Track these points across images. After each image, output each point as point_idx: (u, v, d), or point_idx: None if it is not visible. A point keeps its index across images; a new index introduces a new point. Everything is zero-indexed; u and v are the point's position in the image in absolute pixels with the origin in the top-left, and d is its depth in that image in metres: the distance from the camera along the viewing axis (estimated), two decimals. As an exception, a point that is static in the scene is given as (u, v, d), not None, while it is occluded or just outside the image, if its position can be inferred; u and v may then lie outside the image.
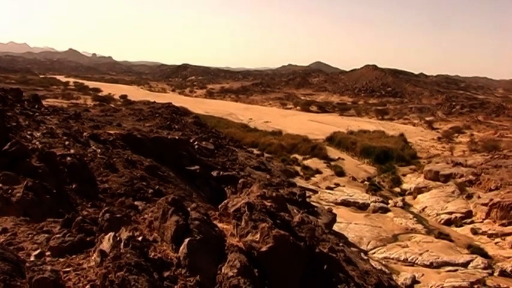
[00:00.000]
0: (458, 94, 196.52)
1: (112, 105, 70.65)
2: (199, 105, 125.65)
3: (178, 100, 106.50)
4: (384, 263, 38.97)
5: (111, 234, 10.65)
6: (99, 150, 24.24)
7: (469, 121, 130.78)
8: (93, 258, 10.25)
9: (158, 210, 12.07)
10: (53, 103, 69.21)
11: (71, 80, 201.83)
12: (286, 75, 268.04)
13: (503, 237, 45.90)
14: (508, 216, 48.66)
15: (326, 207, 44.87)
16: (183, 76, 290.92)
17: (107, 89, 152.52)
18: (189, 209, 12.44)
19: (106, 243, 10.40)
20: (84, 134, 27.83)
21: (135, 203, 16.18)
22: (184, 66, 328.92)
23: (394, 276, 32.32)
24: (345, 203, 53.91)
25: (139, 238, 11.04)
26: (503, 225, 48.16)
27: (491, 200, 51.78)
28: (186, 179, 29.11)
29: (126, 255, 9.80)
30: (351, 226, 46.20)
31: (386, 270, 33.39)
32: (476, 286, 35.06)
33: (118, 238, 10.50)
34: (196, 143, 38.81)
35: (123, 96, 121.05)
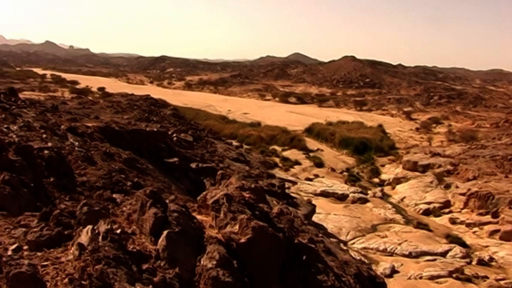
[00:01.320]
0: (436, 85, 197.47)
1: (90, 98, 70.26)
2: (177, 97, 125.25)
3: (156, 92, 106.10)
4: (363, 253, 39.13)
5: (89, 227, 10.60)
6: (77, 143, 24.09)
7: (447, 112, 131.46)
8: (71, 251, 10.19)
9: (136, 202, 12.04)
10: (29, 96, 68.76)
11: (48, 72, 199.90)
12: (265, 67, 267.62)
13: (481, 227, 46.26)
14: (485, 206, 49.04)
15: (305, 198, 44.95)
16: (161, 68, 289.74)
17: (84, 81, 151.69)
18: (167, 201, 12.41)
19: (84, 237, 10.35)
20: (62, 127, 27.63)
21: (114, 195, 16.10)
22: (163, 58, 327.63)
23: (374, 266, 32.44)
24: (324, 194, 54.05)
25: (118, 231, 11.00)
26: (481, 214, 48.53)
27: (469, 189, 52.15)
28: (164, 171, 29.04)
29: (105, 248, 9.77)
30: (330, 217, 46.34)
31: (366, 260, 33.54)
32: (454, 275, 35.28)
33: (96, 231, 10.45)
34: (174, 135, 38.70)
35: (101, 89, 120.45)
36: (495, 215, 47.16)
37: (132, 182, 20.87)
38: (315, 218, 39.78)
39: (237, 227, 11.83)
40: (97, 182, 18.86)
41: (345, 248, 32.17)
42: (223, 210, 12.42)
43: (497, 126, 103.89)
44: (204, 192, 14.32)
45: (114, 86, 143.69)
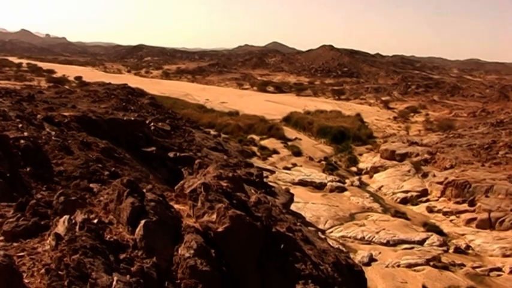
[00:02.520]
0: (414, 74, 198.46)
1: (66, 87, 69.70)
2: (155, 86, 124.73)
3: (134, 81, 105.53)
4: (341, 241, 39.28)
5: (66, 217, 10.53)
6: (54, 132, 23.91)
7: (424, 101, 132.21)
8: (48, 242, 10.13)
9: (113, 192, 11.98)
10: (5, 85, 68.00)
11: (24, 61, 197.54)
12: (243, 56, 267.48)
13: (457, 215, 46.59)
14: (462, 194, 49.38)
15: (283, 187, 45.04)
16: (138, 57, 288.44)
17: (61, 70, 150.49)
18: (144, 190, 12.37)
19: (61, 227, 10.29)
20: (38, 116, 27.42)
21: (91, 185, 16.02)
22: (140, 47, 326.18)
23: (352, 255, 32.59)
24: (302, 183, 54.14)
25: (95, 221, 10.94)
26: (457, 203, 48.86)
27: (446, 178, 52.48)
28: (142, 160, 28.93)
29: (82, 238, 9.72)
30: (309, 206, 46.42)
31: (344, 249, 33.68)
32: (431, 263, 35.52)
33: (73, 221, 10.39)
34: (152, 124, 38.55)
35: (78, 78, 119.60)
36: (472, 203, 47.50)
37: (109, 171, 20.76)
38: (293, 207, 39.87)
39: (214, 216, 11.81)
40: (74, 171, 18.74)
41: (323, 236, 32.27)
42: (201, 199, 12.40)
43: (474, 116, 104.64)
44: (181, 182, 14.29)
45: (91, 75, 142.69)
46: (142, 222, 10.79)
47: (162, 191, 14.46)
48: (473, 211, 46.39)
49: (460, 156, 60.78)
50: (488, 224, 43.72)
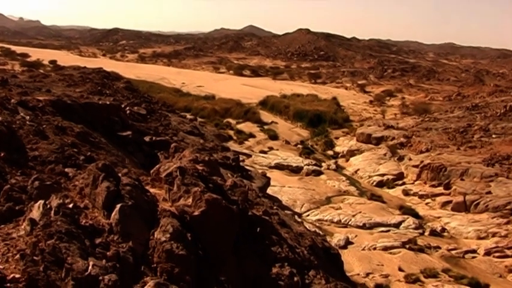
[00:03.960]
0: (390, 58, 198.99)
1: (41, 71, 68.97)
2: (131, 70, 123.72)
3: (109, 65, 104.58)
4: (317, 225, 39.45)
5: (41, 202, 10.47)
6: (28, 117, 23.66)
7: (400, 85, 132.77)
8: (22, 227, 10.07)
9: (89, 176, 11.91)
10: (-22, 69, 67.35)
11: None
12: (219, 39, 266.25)
13: (433, 198, 46.97)
14: (437, 178, 49.76)
15: (260, 171, 45.05)
16: (114, 40, 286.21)
17: (35, 54, 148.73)
18: (120, 174, 12.32)
19: (36, 212, 10.23)
20: (12, 100, 27.13)
21: (66, 170, 15.88)
22: (115, 31, 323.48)
23: (328, 238, 32.66)
24: (279, 167, 54.24)
25: (70, 205, 10.88)
26: (433, 186, 49.26)
27: (422, 161, 52.85)
28: (118, 144, 28.76)
29: (57, 222, 9.66)
30: (285, 189, 46.55)
31: (320, 232, 33.76)
32: (407, 246, 35.81)
33: (48, 206, 10.33)
34: (128, 108, 38.28)
35: (53, 62, 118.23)
36: (447, 186, 47.90)
37: (85, 156, 20.62)
38: (269, 191, 39.89)
39: (190, 199, 11.79)
40: (49, 156, 18.58)
41: (299, 220, 32.39)
42: (177, 183, 12.37)
43: (450, 99, 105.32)
44: (157, 166, 14.25)
45: (66, 58, 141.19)
46: (118, 206, 10.75)
47: (138, 175, 14.40)
48: (449, 194, 46.79)
49: (436, 140, 61.20)
50: (463, 207, 44.11)
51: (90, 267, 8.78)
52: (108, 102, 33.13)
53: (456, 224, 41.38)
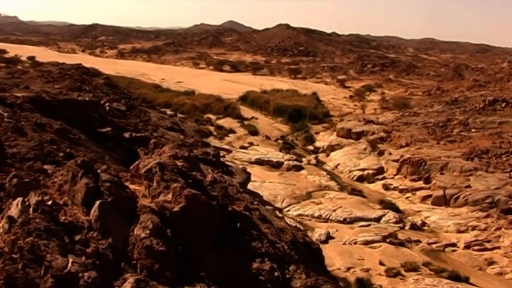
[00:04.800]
0: (370, 53, 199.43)
1: (19, 67, 68.41)
2: (110, 65, 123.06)
3: (88, 61, 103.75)
4: (298, 220, 39.49)
5: (20, 199, 10.41)
6: (6, 114, 23.50)
7: (380, 80, 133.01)
8: (0, 225, 10.01)
9: (68, 173, 11.86)
10: (-45, 66, 66.71)
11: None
12: (199, 35, 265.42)
13: (413, 192, 47.19)
14: (417, 172, 50.02)
15: (240, 167, 44.99)
16: (93, 36, 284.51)
17: (13, 50, 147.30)
18: (99, 171, 12.26)
19: (14, 209, 10.17)
20: (-10, 97, 26.98)
21: (45, 167, 15.78)
22: (94, 26, 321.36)
23: (309, 233, 32.79)
24: (259, 162, 54.23)
25: (49, 202, 10.83)
26: (413, 180, 49.49)
27: (402, 156, 53.08)
28: (97, 141, 28.63)
29: (36, 220, 9.62)
30: (266, 184, 46.55)
31: (301, 227, 33.86)
32: (388, 240, 35.96)
33: (27, 203, 10.28)
34: (107, 104, 38.11)
35: (31, 58, 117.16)
36: (427, 180, 48.15)
37: (64, 152, 20.51)
38: (250, 186, 39.87)
39: (170, 195, 11.77)
40: (28, 153, 18.48)
41: (280, 215, 32.37)
42: (156, 179, 12.35)
43: (430, 94, 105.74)
44: (136, 162, 14.22)
45: (45, 55, 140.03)
46: (97, 203, 10.71)
47: (118, 171, 14.34)
48: (429, 188, 47.04)
49: (416, 135, 61.49)
50: (443, 201, 44.38)
51: (69, 265, 8.73)
52: (87, 99, 32.96)
53: (436, 217, 41.63)
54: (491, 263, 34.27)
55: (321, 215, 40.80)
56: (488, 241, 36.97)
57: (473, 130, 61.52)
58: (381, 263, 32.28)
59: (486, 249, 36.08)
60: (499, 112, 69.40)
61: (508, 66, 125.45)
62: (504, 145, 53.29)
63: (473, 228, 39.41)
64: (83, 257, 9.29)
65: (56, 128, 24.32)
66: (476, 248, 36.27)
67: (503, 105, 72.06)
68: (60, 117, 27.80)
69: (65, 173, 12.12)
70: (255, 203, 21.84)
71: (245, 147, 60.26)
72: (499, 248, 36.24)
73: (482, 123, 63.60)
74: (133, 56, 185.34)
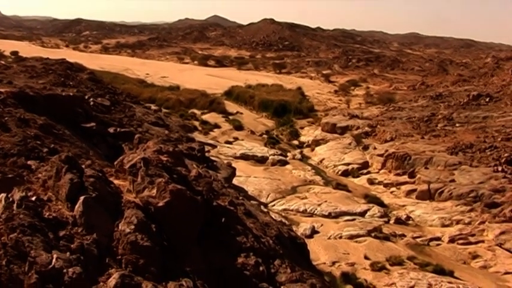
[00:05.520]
0: (355, 48, 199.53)
1: (2, 62, 68.04)
2: (94, 60, 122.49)
3: (72, 56, 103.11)
4: (283, 214, 39.48)
5: (3, 195, 10.36)
6: (-10, 109, 23.40)
7: (365, 74, 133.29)
8: (-16, 220, 9.95)
9: (52, 168, 11.82)
10: None
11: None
12: (183, 30, 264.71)
13: (398, 187, 47.32)
14: (402, 166, 50.15)
15: (225, 162, 44.92)
16: (77, 31, 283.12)
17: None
18: (83, 166, 12.23)
19: (-3, 205, 10.12)
20: (-27, 92, 26.81)
21: (29, 162, 15.72)
22: (78, 21, 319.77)
23: (294, 227, 32.77)
24: (244, 157, 54.17)
25: (33, 198, 10.79)
26: (398, 175, 49.63)
27: (387, 150, 53.20)
28: (82, 136, 28.51)
29: (19, 216, 9.58)
30: (251, 179, 46.52)
31: (286, 222, 33.79)
32: (373, 234, 36.02)
33: (10, 199, 10.23)
34: (91, 99, 37.97)
35: (14, 53, 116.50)
36: (412, 175, 48.28)
37: (48, 148, 20.42)
38: (235, 181, 39.87)
39: (154, 190, 11.76)
40: (12, 149, 18.37)
41: (265, 210, 32.41)
42: (141, 174, 12.33)
43: (414, 89, 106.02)
44: (121, 157, 14.18)
45: (28, 50, 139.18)
46: (82, 198, 10.68)
47: (102, 166, 14.32)
48: (413, 183, 47.17)
49: (400, 129, 61.64)
50: (427, 195, 44.53)
51: (54, 260, 8.72)
52: (71, 94, 32.81)
53: (421, 212, 41.77)
54: (475, 256, 34.43)
55: (306, 210, 40.81)
56: (473, 235, 37.15)
57: (457, 125, 61.74)
58: (366, 257, 32.36)
59: (470, 243, 36.24)
60: (483, 107, 69.71)
61: (492, 61, 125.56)
62: (488, 139, 53.51)
63: (458, 222, 39.59)
64: (68, 253, 9.26)
65: (40, 124, 24.21)
66: (460, 241, 36.42)
67: (487, 100, 72.40)
68: (44, 112, 27.66)
69: (49, 168, 12.08)
70: (240, 198, 21.84)
71: (230, 142, 60.19)
72: (483, 241, 36.43)
73: (467, 118, 63.86)
74: (117, 51, 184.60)
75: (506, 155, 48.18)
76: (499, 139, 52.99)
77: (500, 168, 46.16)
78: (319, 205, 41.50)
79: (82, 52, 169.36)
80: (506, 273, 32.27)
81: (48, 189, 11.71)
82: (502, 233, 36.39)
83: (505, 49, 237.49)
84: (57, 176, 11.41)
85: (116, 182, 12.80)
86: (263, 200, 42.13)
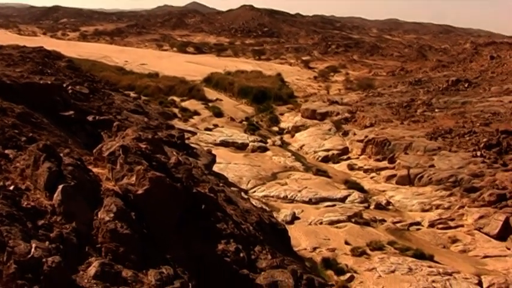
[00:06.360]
0: (334, 34, 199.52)
1: (-21, 51, 67.54)
2: (72, 48, 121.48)
3: (50, 44, 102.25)
4: (264, 201, 39.48)
5: (-19, 184, 10.28)
6: (-34, 98, 23.21)
7: (344, 60, 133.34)
8: (-39, 210, 9.87)
9: (30, 157, 11.73)
10: None
11: None
12: (162, 16, 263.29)
13: (378, 172, 47.52)
14: (382, 152, 50.34)
15: (205, 148, 44.84)
16: (54, 18, 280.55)
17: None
18: (62, 154, 12.15)
19: (-25, 195, 10.04)
20: (-51, 81, 26.55)
21: (6, 151, 15.60)
22: (55, 8, 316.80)
23: (275, 214, 32.81)
24: (224, 144, 54.11)
25: (11, 187, 10.72)
26: (378, 160, 49.83)
27: (366, 136, 53.36)
28: (60, 125, 28.30)
29: (-3, 205, 9.50)
30: (231, 166, 46.48)
31: (267, 208, 33.86)
32: (353, 219, 36.14)
33: (-12, 188, 10.15)
34: (70, 87, 37.66)
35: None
36: (391, 160, 48.50)
37: (26, 137, 20.27)
38: (215, 168, 39.79)
39: (133, 178, 11.72)
40: (-12, 138, 18.24)
41: (246, 196, 32.37)
42: (120, 162, 12.27)
43: (393, 75, 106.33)
44: (99, 145, 14.10)
45: (5, 37, 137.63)
46: (60, 187, 10.62)
47: (81, 155, 14.25)
48: (393, 168, 47.39)
49: (380, 115, 61.83)
50: (407, 180, 44.75)
51: (32, 250, 8.66)
52: (49, 82, 32.54)
53: (401, 197, 41.99)
54: (454, 240, 34.70)
55: (286, 196, 40.85)
56: (452, 219, 37.43)
57: (436, 110, 62.03)
58: (347, 243, 32.47)
59: (450, 228, 36.52)
60: (462, 92, 70.13)
61: (470, 47, 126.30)
62: (467, 125, 53.82)
63: (437, 207, 39.84)
64: (47, 242, 9.22)
65: (18, 112, 24.02)
66: (440, 226, 36.69)
67: (466, 85, 72.86)
68: (21, 101, 27.44)
69: (27, 157, 12.00)
70: (221, 184, 21.84)
71: (210, 129, 60.08)
72: (462, 226, 36.72)
73: (446, 103, 64.19)
74: (96, 39, 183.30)
75: (484, 140, 48.50)
76: (478, 124, 53.33)
77: (479, 153, 46.49)
78: (299, 191, 41.55)
79: (60, 40, 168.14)
80: (485, 256, 32.57)
81: (26, 179, 11.63)
82: (481, 217, 36.67)
83: (484, 35, 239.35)
84: (35, 164, 11.34)
85: (95, 170, 12.75)
86: (243, 186, 42.12)
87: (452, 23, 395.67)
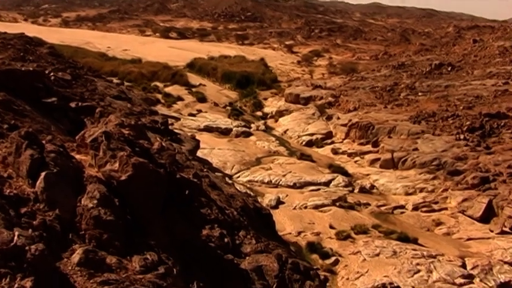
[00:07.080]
0: (317, 18, 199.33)
1: (-41, 38, 66.98)
2: (54, 34, 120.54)
3: (31, 30, 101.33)
4: (248, 186, 39.55)
5: (-38, 173, 10.21)
6: None
7: (327, 45, 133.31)
8: None
9: (11, 145, 11.64)
10: None
11: None
12: (144, 2, 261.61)
13: (362, 156, 47.65)
14: (365, 136, 50.48)
15: (189, 134, 44.80)
16: (35, 4, 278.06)
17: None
18: (44, 141, 12.07)
19: (-44, 182, 9.97)
20: None
21: (-13, 139, 15.53)
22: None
23: (259, 199, 32.90)
24: (208, 129, 54.09)
25: (-7, 175, 10.64)
26: (361, 144, 49.95)
27: (350, 120, 53.47)
28: (43, 112, 28.15)
29: (-21, 193, 9.44)
30: (215, 151, 46.47)
31: (251, 193, 33.96)
32: (338, 203, 36.28)
33: (-31, 177, 10.08)
34: (52, 74, 37.46)
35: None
36: (375, 144, 48.63)
37: (8, 124, 20.14)
38: (199, 153, 39.80)
39: (117, 164, 11.67)
40: (-30, 127, 18.12)
41: (230, 182, 32.41)
42: (102, 148, 12.21)
43: (377, 59, 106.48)
44: (82, 131, 14.03)
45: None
46: (43, 174, 10.56)
47: (63, 141, 14.18)
48: (377, 152, 47.52)
49: (363, 99, 61.93)
50: (391, 164, 44.93)
51: (15, 238, 8.61)
52: (31, 69, 32.32)
53: (385, 180, 42.18)
54: (438, 223, 34.93)
55: (270, 181, 40.93)
56: (436, 202, 37.66)
57: (420, 94, 62.20)
58: (331, 227, 32.60)
59: (434, 211, 36.75)
60: (445, 76, 70.34)
61: (453, 30, 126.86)
62: (450, 108, 54.04)
63: (421, 190, 40.08)
64: (30, 230, 9.17)
65: (-1, 99, 23.87)
66: (424, 209, 36.93)
67: (449, 69, 73.10)
68: (3, 88, 27.25)
69: (9, 145, 11.91)
70: (205, 170, 21.84)
71: (193, 115, 60.00)
72: (446, 209, 36.96)
73: (429, 87, 64.36)
74: (78, 25, 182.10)
75: (468, 123, 48.74)
76: (461, 107, 53.57)
77: (462, 137, 46.71)
78: (283, 176, 41.64)
79: (41, 26, 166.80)
80: (469, 239, 32.80)
81: (8, 166, 11.56)
82: (465, 200, 36.92)
83: (466, 18, 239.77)
84: (17, 152, 11.27)
85: (78, 156, 12.69)
86: (228, 171, 42.15)
87: (436, 7, 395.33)
